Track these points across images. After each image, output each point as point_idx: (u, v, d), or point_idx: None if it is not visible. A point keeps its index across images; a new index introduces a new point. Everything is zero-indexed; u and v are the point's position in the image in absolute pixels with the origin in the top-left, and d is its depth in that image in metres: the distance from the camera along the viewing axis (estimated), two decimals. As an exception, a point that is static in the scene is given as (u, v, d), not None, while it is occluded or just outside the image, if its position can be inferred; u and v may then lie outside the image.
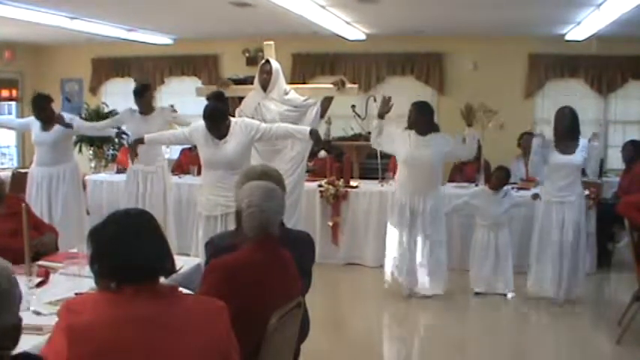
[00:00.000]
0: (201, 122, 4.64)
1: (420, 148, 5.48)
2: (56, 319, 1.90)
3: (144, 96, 6.35)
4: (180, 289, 2.10)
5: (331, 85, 5.79)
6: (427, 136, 5.52)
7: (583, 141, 5.42)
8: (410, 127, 5.59)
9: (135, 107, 6.37)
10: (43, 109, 6.10)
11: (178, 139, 5.21)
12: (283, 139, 5.22)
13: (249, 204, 2.56)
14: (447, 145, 5.56)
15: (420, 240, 5.55)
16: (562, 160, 5.36)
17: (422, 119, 5.55)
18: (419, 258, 5.55)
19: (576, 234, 5.38)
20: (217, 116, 4.59)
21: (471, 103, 5.70)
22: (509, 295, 5.66)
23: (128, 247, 1.94)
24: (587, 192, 6.22)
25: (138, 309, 1.87)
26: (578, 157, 5.36)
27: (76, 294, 2.74)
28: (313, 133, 4.81)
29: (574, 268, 5.37)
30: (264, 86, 5.61)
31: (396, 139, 5.61)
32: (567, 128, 5.38)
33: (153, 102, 6.64)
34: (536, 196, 5.64)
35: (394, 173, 6.05)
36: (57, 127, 6.08)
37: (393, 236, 5.65)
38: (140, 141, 5.07)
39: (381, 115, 5.60)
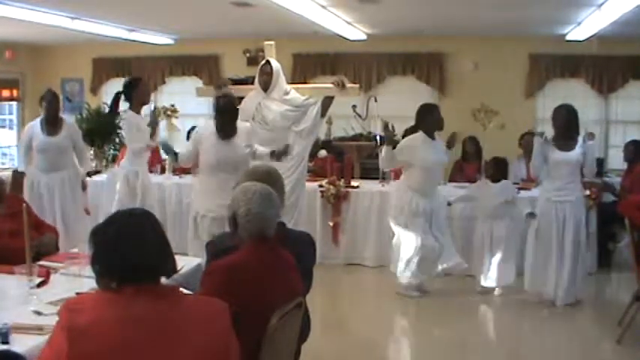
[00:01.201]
0: (204, 125, 4.68)
1: (435, 152, 5.57)
2: (57, 319, 1.91)
3: (136, 88, 5.71)
4: (181, 289, 2.10)
5: (331, 85, 5.80)
6: (435, 140, 5.61)
7: (582, 139, 5.44)
8: (416, 127, 5.64)
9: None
10: (56, 102, 5.92)
11: (189, 155, 4.94)
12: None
13: (248, 212, 2.55)
14: (443, 147, 5.65)
15: (437, 238, 5.61)
16: (561, 158, 5.36)
17: (432, 121, 5.59)
18: (439, 255, 5.63)
19: (577, 234, 5.38)
20: (233, 110, 4.66)
21: (456, 133, 5.77)
22: (497, 292, 5.72)
23: (129, 247, 1.94)
24: (587, 192, 6.24)
25: (138, 309, 1.87)
26: (576, 153, 5.36)
27: (77, 294, 2.74)
28: (274, 155, 4.97)
29: (573, 270, 5.37)
30: (265, 87, 5.62)
31: (414, 150, 5.54)
32: (565, 126, 5.39)
33: (145, 101, 5.93)
34: (532, 215, 5.62)
35: (397, 175, 6.06)
36: (64, 131, 5.82)
37: (410, 240, 5.58)
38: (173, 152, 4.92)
39: (390, 142, 5.55)
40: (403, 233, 5.64)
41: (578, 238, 5.38)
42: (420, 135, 5.60)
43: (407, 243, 5.60)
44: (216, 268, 2.49)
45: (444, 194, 5.96)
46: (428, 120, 5.59)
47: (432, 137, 5.58)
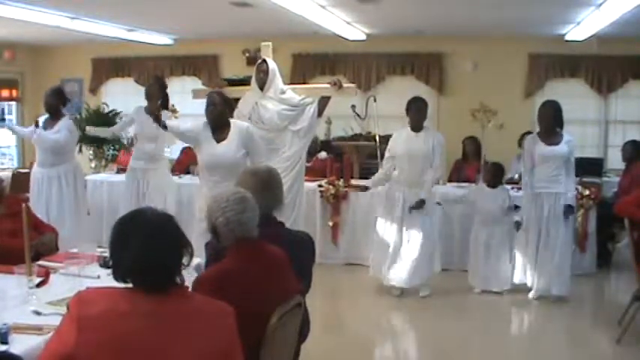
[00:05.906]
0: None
1: (414, 142, 5.57)
2: (56, 319, 1.91)
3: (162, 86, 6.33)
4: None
5: (328, 85, 5.80)
6: (420, 132, 5.63)
7: (567, 136, 5.51)
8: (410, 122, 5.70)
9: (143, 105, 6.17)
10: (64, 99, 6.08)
11: (190, 138, 5.07)
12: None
13: (226, 222, 2.53)
14: (435, 142, 5.61)
15: (411, 233, 5.61)
16: (547, 151, 5.45)
17: (420, 115, 5.64)
18: (409, 251, 5.60)
19: (558, 225, 5.40)
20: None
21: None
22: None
23: (141, 247, 1.95)
24: (587, 192, 6.24)
25: (148, 305, 1.90)
26: (562, 148, 5.44)
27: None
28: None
29: (554, 261, 5.40)
30: (261, 85, 5.63)
31: (394, 142, 5.72)
32: (549, 124, 5.50)
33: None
34: (518, 224, 5.69)
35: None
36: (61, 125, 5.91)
37: (383, 230, 5.75)
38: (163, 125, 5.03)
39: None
40: (378, 220, 5.84)
41: (559, 230, 5.41)
42: (403, 129, 5.71)
43: (378, 231, 5.82)
44: (204, 280, 2.46)
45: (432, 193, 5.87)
46: (416, 114, 5.65)
47: (416, 130, 5.61)
